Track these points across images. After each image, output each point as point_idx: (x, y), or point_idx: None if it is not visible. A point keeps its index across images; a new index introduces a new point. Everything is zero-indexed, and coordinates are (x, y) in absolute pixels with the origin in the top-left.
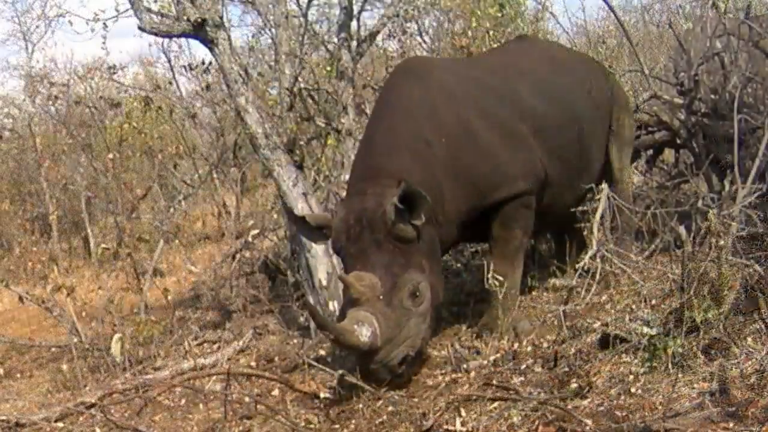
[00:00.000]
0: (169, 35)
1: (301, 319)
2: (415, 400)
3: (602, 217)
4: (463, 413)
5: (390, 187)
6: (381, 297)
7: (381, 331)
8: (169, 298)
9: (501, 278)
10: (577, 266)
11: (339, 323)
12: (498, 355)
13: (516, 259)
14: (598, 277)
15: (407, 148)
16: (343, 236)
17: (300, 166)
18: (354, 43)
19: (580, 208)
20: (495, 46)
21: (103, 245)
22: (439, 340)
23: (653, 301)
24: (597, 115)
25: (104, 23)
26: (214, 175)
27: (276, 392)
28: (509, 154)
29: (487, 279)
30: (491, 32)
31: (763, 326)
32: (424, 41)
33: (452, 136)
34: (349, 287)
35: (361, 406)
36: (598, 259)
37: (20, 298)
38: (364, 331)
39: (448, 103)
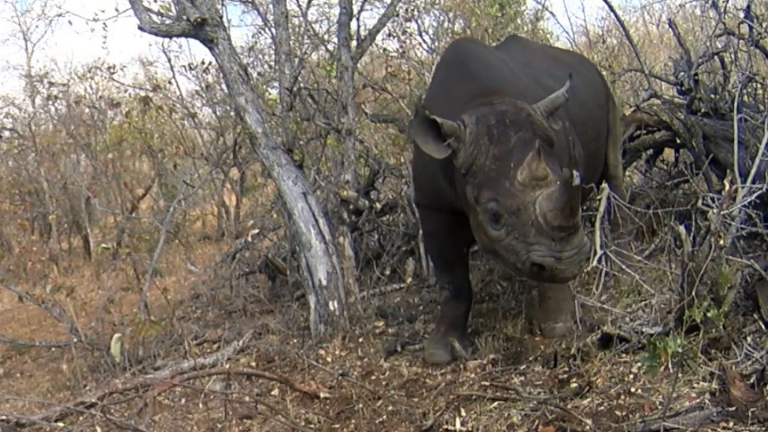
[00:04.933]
0: (169, 35)
1: (301, 319)
2: (415, 400)
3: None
4: (463, 413)
5: (518, 100)
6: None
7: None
8: (169, 298)
9: None
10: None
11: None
12: (497, 355)
13: None
14: (604, 278)
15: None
16: (483, 138)
17: (300, 166)
18: (354, 43)
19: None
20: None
21: (103, 245)
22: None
23: (653, 301)
24: (602, 115)
25: (104, 23)
26: (214, 175)
27: (276, 392)
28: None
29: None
30: (490, 31)
31: (763, 326)
32: (424, 41)
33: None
34: (540, 170)
35: (361, 406)
36: (603, 261)
37: (20, 298)
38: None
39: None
